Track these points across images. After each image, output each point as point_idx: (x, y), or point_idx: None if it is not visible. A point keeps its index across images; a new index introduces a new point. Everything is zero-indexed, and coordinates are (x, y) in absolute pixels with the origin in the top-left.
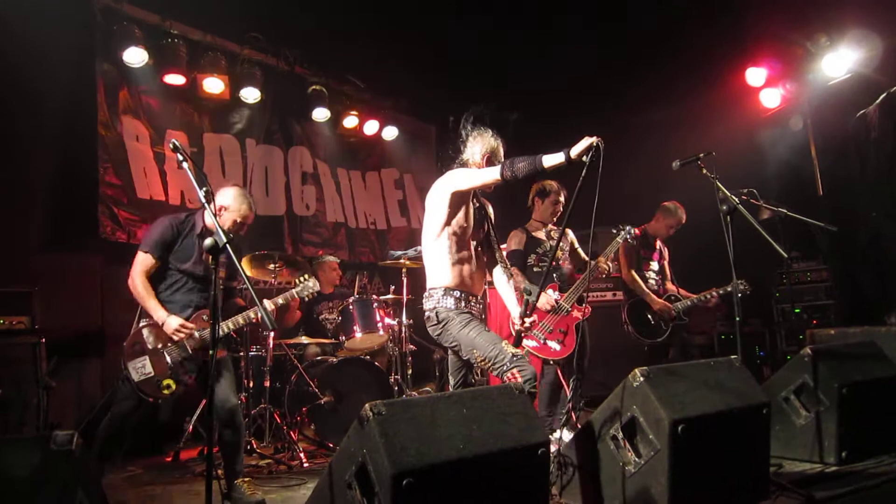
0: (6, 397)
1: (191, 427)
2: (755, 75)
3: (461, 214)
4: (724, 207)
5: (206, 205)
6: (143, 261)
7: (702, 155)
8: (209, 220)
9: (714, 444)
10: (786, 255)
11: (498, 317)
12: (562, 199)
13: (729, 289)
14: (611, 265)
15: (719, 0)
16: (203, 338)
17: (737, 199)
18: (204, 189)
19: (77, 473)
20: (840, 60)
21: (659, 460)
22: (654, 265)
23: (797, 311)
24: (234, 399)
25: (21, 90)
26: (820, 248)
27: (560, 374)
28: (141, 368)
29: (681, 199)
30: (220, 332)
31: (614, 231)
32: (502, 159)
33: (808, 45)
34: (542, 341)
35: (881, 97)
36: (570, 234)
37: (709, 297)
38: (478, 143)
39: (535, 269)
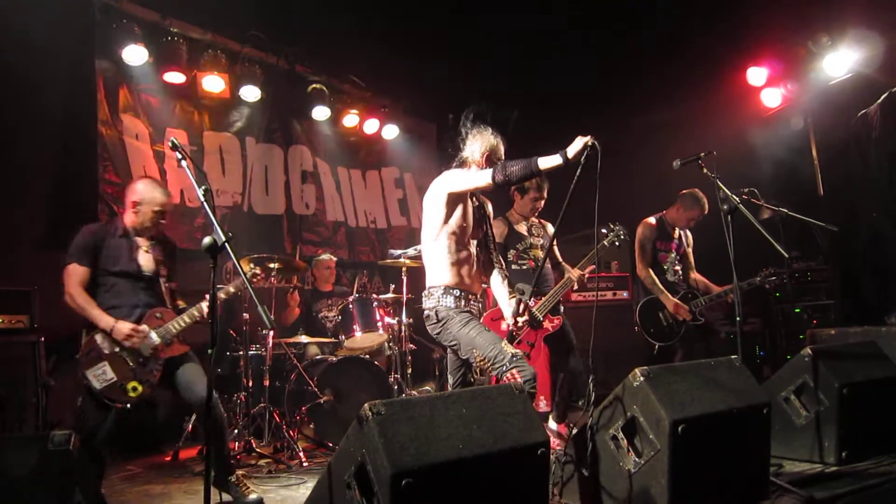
0: (5, 396)
1: (190, 426)
2: (756, 75)
3: (459, 214)
4: (725, 207)
5: (204, 203)
6: (72, 272)
7: (703, 154)
8: (129, 220)
9: (714, 444)
10: (787, 255)
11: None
12: (543, 194)
13: (756, 281)
14: (585, 273)
15: (720, 0)
16: (164, 336)
17: (737, 199)
18: (203, 187)
19: (75, 473)
20: (841, 60)
21: (659, 460)
22: (674, 256)
23: (797, 310)
24: (206, 391)
25: (21, 88)
26: (820, 248)
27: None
28: (102, 375)
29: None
30: (170, 333)
31: (604, 231)
32: (502, 157)
33: (810, 45)
34: None
35: (882, 97)
36: (550, 228)
37: (728, 292)
38: (477, 142)
39: (513, 267)
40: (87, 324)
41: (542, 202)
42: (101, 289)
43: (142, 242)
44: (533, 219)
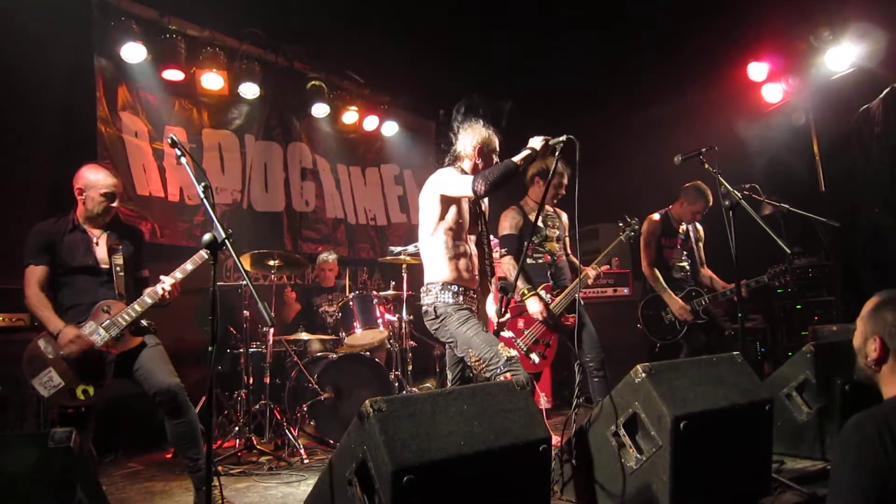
0: (6, 395)
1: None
2: (757, 70)
3: (454, 211)
4: (727, 203)
5: (204, 200)
6: (29, 273)
7: (704, 150)
8: (79, 212)
9: (716, 440)
10: (789, 251)
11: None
12: (565, 181)
13: (764, 279)
14: (601, 270)
15: None
16: (111, 330)
17: (739, 195)
18: (202, 184)
19: (76, 471)
20: (842, 55)
21: (661, 457)
22: (680, 251)
23: (799, 306)
24: (171, 378)
25: (19, 87)
26: (822, 244)
27: (536, 387)
28: (48, 382)
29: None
30: (118, 327)
31: (621, 225)
32: (496, 149)
33: (811, 40)
34: (523, 351)
35: (884, 92)
36: (565, 218)
37: (732, 292)
38: (468, 135)
39: (528, 260)
40: (41, 327)
41: (564, 189)
42: (63, 288)
43: (96, 234)
44: (548, 208)
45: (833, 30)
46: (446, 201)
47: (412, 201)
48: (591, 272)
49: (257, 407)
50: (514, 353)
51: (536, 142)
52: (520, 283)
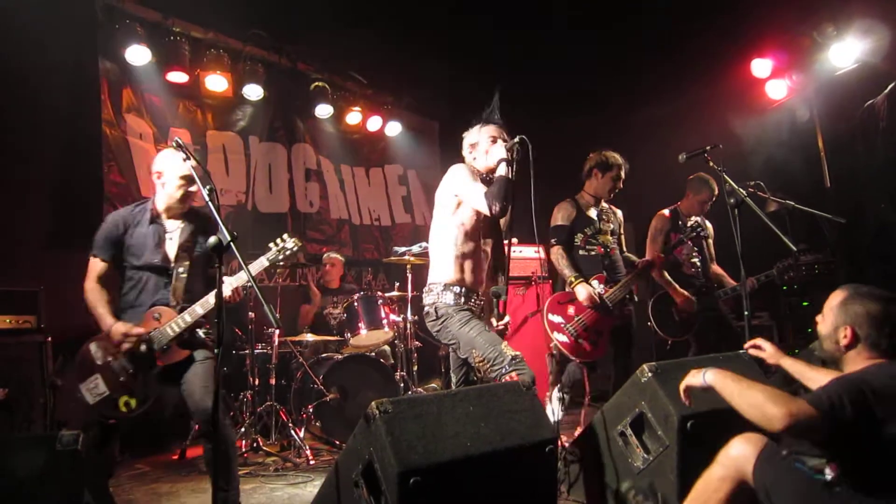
0: (13, 396)
1: (197, 426)
2: (761, 66)
3: (470, 211)
4: (732, 200)
5: (209, 202)
6: (92, 266)
7: (708, 147)
8: (159, 201)
9: (724, 439)
10: (794, 248)
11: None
12: (623, 174)
13: (773, 273)
14: (658, 263)
15: None
16: (158, 341)
17: (744, 192)
18: (208, 187)
19: (83, 473)
20: (847, 50)
21: (668, 456)
22: (690, 247)
23: (805, 304)
24: (210, 400)
25: (24, 89)
26: (828, 240)
27: (585, 375)
28: (94, 388)
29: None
30: (166, 337)
31: (689, 225)
32: (486, 148)
33: (815, 35)
34: (573, 336)
35: (889, 87)
36: (620, 215)
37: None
38: (466, 137)
39: (580, 252)
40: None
41: (622, 182)
42: (128, 284)
43: (172, 227)
44: (603, 204)
45: (837, 25)
46: (460, 202)
47: (416, 201)
48: (647, 262)
49: (263, 408)
50: (518, 352)
51: (501, 151)
52: (568, 272)
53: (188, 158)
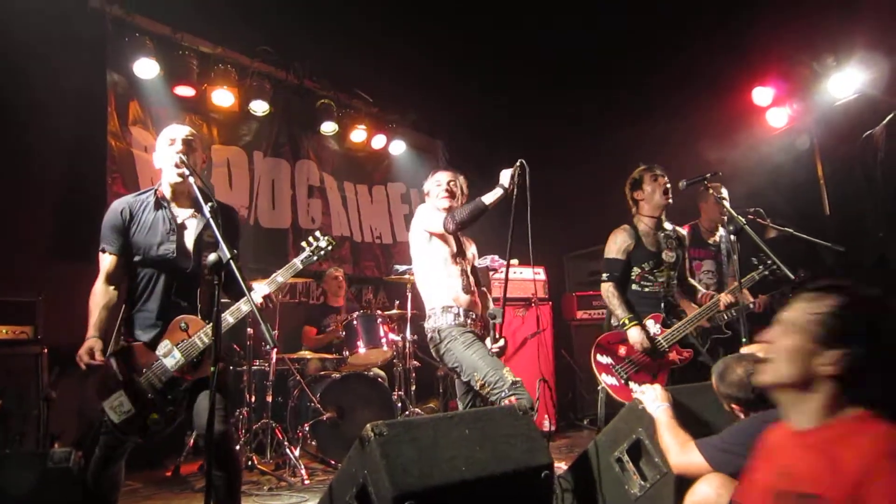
0: (7, 408)
1: (192, 441)
2: (762, 94)
3: (439, 241)
4: (731, 227)
5: (210, 220)
6: (101, 264)
7: (708, 175)
8: (165, 188)
9: None
10: (792, 277)
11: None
12: (659, 171)
13: (788, 289)
14: (752, 302)
15: (726, 20)
16: (187, 354)
17: (743, 220)
18: (209, 204)
19: (75, 491)
20: (846, 81)
21: (665, 484)
22: (709, 264)
23: None
24: (220, 424)
25: (32, 100)
26: (827, 268)
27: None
28: (119, 407)
29: (687, 213)
30: (195, 350)
31: (754, 261)
32: (438, 192)
33: (815, 66)
34: (623, 381)
35: (888, 118)
36: (685, 234)
37: (756, 303)
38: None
39: (633, 287)
40: (114, 335)
41: (666, 181)
42: (135, 283)
43: (184, 215)
44: (667, 226)
45: (836, 56)
46: (429, 234)
47: None
48: (724, 298)
49: (259, 425)
50: (518, 378)
51: (505, 178)
52: (620, 311)
53: (190, 175)
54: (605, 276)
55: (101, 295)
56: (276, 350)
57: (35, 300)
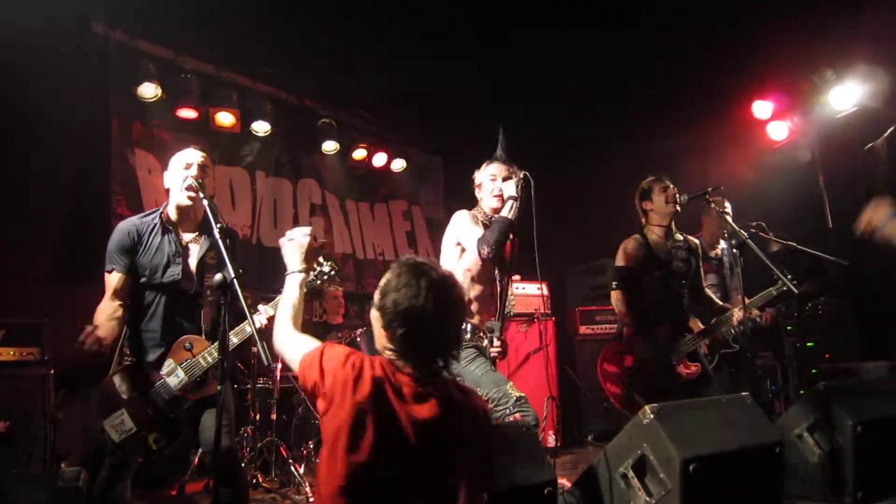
0: (14, 429)
1: (196, 460)
2: (762, 108)
3: (475, 255)
4: (734, 241)
5: (219, 241)
6: (107, 283)
7: (709, 189)
8: (172, 211)
9: (726, 483)
10: (796, 291)
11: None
12: (666, 181)
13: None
14: (751, 317)
15: (727, 34)
16: (191, 373)
17: (745, 234)
18: (219, 226)
19: None
20: (847, 94)
21: (670, 500)
22: (713, 277)
23: (810, 344)
24: (227, 440)
25: (37, 124)
26: (831, 282)
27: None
28: (120, 425)
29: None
30: (199, 368)
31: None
32: (493, 188)
33: (815, 79)
34: (626, 390)
35: (889, 131)
36: (698, 244)
37: (763, 317)
38: (475, 178)
39: (644, 297)
40: (116, 354)
41: (673, 189)
42: (139, 305)
43: (189, 239)
44: (678, 236)
45: (837, 70)
46: (463, 246)
47: (420, 237)
48: (737, 313)
49: (263, 443)
50: (522, 394)
51: (511, 189)
52: (629, 320)
53: (205, 198)
54: (613, 284)
55: (107, 309)
56: (280, 368)
57: (42, 322)
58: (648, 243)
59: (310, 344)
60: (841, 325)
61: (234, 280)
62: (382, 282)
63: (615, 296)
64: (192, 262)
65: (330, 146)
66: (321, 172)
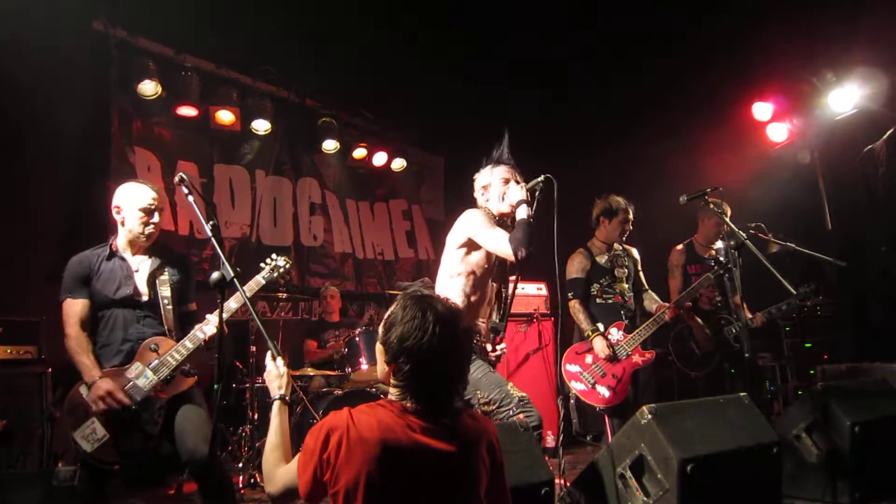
0: (11, 427)
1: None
2: (762, 110)
3: (481, 256)
4: (732, 243)
5: (212, 239)
6: (67, 308)
7: (709, 190)
8: (121, 242)
9: (724, 483)
10: (794, 292)
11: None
12: (631, 216)
13: (794, 301)
14: (681, 311)
15: (726, 36)
16: (160, 372)
17: (744, 235)
18: (210, 223)
19: None
20: (846, 96)
21: (668, 500)
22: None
23: (808, 345)
24: (204, 447)
25: (37, 121)
26: (830, 283)
27: (607, 421)
28: (91, 435)
29: (689, 230)
30: (168, 367)
31: (713, 265)
32: (499, 190)
33: (815, 81)
34: (590, 385)
35: (888, 133)
36: (635, 253)
37: (754, 319)
38: (477, 179)
39: (598, 301)
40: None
41: (631, 224)
42: (100, 324)
43: (136, 261)
44: (616, 246)
45: (836, 72)
46: (474, 245)
47: (420, 236)
48: (668, 311)
49: (261, 443)
50: (524, 394)
51: (520, 193)
52: (585, 325)
53: (190, 193)
54: (570, 294)
55: (81, 339)
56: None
57: (39, 320)
58: (592, 254)
59: (291, 466)
60: (839, 325)
61: (234, 279)
62: (387, 315)
63: (572, 305)
64: (142, 279)
65: (330, 145)
66: (321, 171)
